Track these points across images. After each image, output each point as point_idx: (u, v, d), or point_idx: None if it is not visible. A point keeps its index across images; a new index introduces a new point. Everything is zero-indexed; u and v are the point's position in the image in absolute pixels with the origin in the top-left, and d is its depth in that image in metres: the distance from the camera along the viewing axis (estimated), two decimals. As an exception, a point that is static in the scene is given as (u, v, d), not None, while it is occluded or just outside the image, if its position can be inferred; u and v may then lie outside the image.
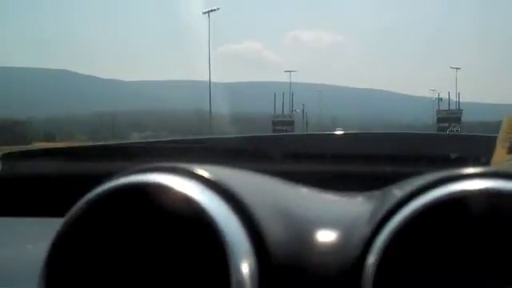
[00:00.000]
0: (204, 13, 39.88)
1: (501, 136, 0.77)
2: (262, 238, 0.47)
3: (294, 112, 46.87)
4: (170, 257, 0.54)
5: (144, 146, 1.34)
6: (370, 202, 0.55)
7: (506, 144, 0.76)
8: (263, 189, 0.59)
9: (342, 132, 1.52)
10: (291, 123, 41.00)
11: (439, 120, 41.85)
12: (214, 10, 39.64)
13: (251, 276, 0.45)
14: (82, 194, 0.52)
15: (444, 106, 45.45)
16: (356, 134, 1.61)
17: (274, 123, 40.80)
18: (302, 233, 0.50)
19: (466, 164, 0.60)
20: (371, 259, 0.46)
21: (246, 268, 0.45)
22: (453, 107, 44.50)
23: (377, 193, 0.58)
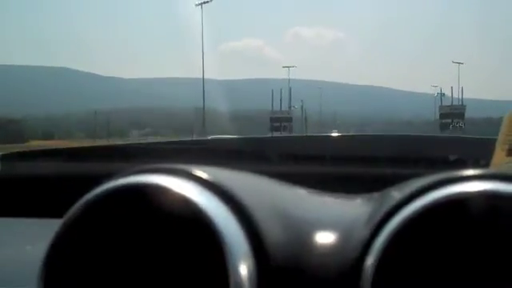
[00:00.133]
0: (197, 5, 39.43)
1: (500, 138, 0.77)
2: (261, 239, 0.47)
3: (292, 108, 46.20)
4: (169, 258, 0.54)
5: (143, 147, 1.34)
6: (368, 203, 0.55)
7: (506, 146, 0.75)
8: (262, 190, 0.59)
9: (340, 134, 1.52)
10: (289, 120, 40.36)
11: (442, 116, 41.00)
12: (207, 1, 39.17)
13: (250, 277, 0.46)
14: (81, 195, 0.52)
15: (446, 102, 44.68)
16: (354, 135, 1.61)
17: (272, 120, 40.11)
18: (300, 234, 0.51)
19: (466, 166, 0.59)
20: (370, 261, 0.46)
21: (244, 269, 0.46)
22: (455, 104, 43.81)
23: (376, 195, 0.58)
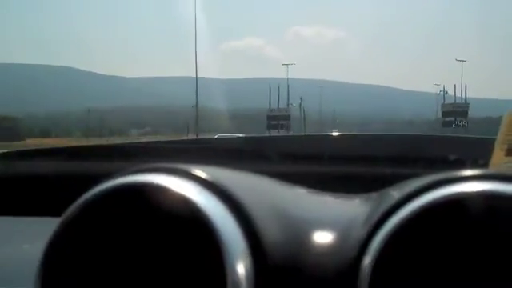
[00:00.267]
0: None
1: (499, 138, 0.76)
2: (259, 238, 0.47)
3: (290, 106, 44.89)
4: (167, 257, 0.54)
5: (142, 146, 1.34)
6: (367, 203, 0.55)
7: (505, 146, 0.75)
8: (260, 190, 0.59)
9: (339, 133, 1.52)
10: (287, 118, 39.30)
11: (444, 114, 39.97)
12: None
13: (247, 276, 0.46)
14: (80, 194, 0.52)
15: (448, 101, 43.65)
16: (354, 135, 1.61)
17: (269, 118, 39.10)
18: (298, 233, 0.51)
19: (464, 166, 0.60)
20: (367, 260, 0.46)
21: (241, 268, 0.46)
22: (457, 102, 42.64)
23: (374, 194, 0.58)
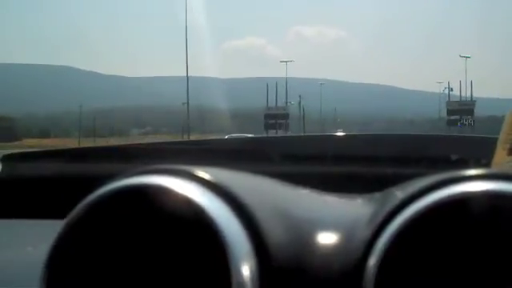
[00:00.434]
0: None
1: (501, 137, 0.76)
2: (263, 239, 0.47)
3: (288, 104, 43.34)
4: (171, 258, 0.54)
5: (145, 148, 1.34)
6: (370, 203, 0.55)
7: (507, 145, 0.75)
8: (264, 190, 0.59)
9: (342, 133, 1.52)
10: (286, 116, 37.96)
11: (449, 112, 38.09)
12: None
13: (252, 277, 0.46)
14: (83, 196, 0.53)
15: (451, 99, 41.93)
16: (356, 135, 1.61)
17: (267, 117, 37.76)
18: (302, 234, 0.51)
19: (467, 166, 0.60)
20: (372, 261, 0.46)
21: (246, 269, 0.46)
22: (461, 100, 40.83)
23: (378, 194, 0.58)
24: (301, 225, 0.52)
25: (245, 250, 0.47)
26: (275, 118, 37.10)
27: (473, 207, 0.46)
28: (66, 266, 0.51)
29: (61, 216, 0.54)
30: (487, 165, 0.78)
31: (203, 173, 0.52)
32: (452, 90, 43.35)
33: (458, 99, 41.11)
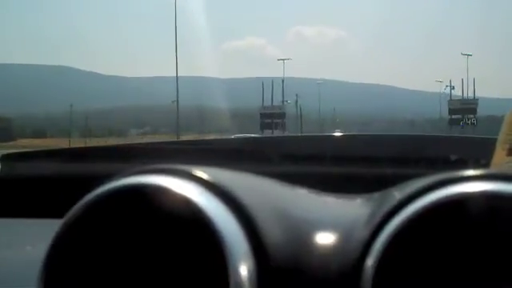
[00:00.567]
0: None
1: (501, 138, 0.76)
2: (261, 239, 0.47)
3: (285, 103, 41.51)
4: (169, 258, 0.54)
5: (143, 148, 1.34)
6: (369, 203, 0.55)
7: (506, 146, 0.75)
8: (262, 190, 0.59)
9: (340, 133, 1.52)
10: (282, 115, 36.55)
11: (451, 111, 36.57)
12: None
13: (250, 277, 0.46)
14: (81, 196, 0.53)
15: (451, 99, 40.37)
16: (355, 135, 1.61)
17: (263, 116, 36.36)
18: (300, 234, 0.51)
19: (466, 166, 0.60)
20: (370, 261, 0.46)
21: (244, 269, 0.46)
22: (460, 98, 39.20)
23: (376, 195, 0.58)
24: (299, 225, 0.52)
25: (243, 250, 0.47)
26: (271, 117, 35.81)
27: (471, 208, 0.46)
28: (63, 266, 0.51)
29: (60, 215, 0.54)
30: (486, 165, 0.77)
31: (201, 172, 0.52)
32: (454, 88, 41.64)
33: (460, 98, 39.61)
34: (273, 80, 41.11)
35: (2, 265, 0.73)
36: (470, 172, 0.48)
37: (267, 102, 40.11)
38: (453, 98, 39.99)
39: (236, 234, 0.47)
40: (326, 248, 0.50)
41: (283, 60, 53.69)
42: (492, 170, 0.65)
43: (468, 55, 46.40)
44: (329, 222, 0.53)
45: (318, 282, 0.48)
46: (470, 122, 34.68)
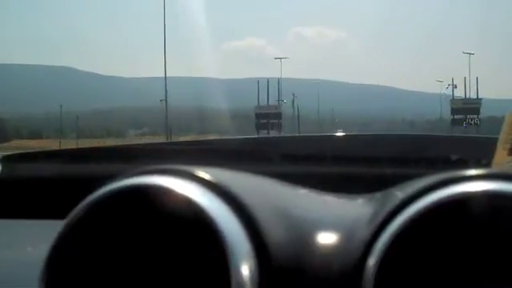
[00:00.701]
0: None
1: (501, 137, 0.76)
2: (263, 239, 0.48)
3: (281, 103, 39.97)
4: (171, 258, 0.54)
5: (145, 148, 1.34)
6: (370, 203, 0.55)
7: (507, 145, 0.75)
8: (264, 190, 0.59)
9: (342, 133, 1.52)
10: (278, 116, 35.12)
11: (454, 111, 35.00)
12: None
13: (251, 277, 0.46)
14: (83, 196, 0.53)
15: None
16: (356, 135, 1.61)
17: (258, 116, 34.86)
18: (302, 234, 0.51)
19: (467, 166, 0.60)
20: (372, 261, 0.46)
21: (246, 269, 0.46)
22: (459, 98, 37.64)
23: (378, 195, 0.58)
24: (300, 225, 0.52)
25: (245, 250, 0.47)
26: (267, 117, 34.33)
27: (473, 207, 0.46)
28: (65, 267, 0.51)
29: (61, 216, 0.54)
30: (487, 165, 0.78)
31: (203, 173, 0.52)
32: (456, 87, 39.93)
33: (461, 98, 37.97)
34: (268, 79, 39.73)
35: (3, 265, 0.73)
36: (472, 172, 0.48)
37: (265, 102, 38.86)
38: (455, 97, 38.76)
39: (238, 234, 0.47)
40: (327, 248, 0.50)
41: (280, 59, 52.54)
42: (493, 169, 0.65)
43: (470, 54, 44.69)
44: (330, 222, 0.53)
45: (319, 282, 0.48)
46: (473, 122, 33.42)
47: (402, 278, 0.47)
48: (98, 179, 0.55)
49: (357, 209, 0.55)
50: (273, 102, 38.51)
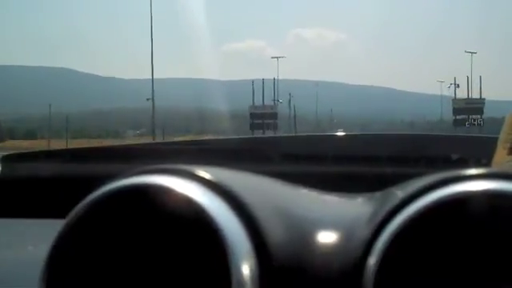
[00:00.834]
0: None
1: (502, 137, 0.77)
2: (263, 238, 0.48)
3: (277, 103, 38.54)
4: (172, 258, 0.54)
5: (145, 148, 1.34)
6: (370, 203, 0.55)
7: (507, 145, 0.75)
8: (264, 190, 0.59)
9: (342, 133, 1.52)
10: (274, 116, 33.91)
11: (456, 111, 33.62)
12: None
13: (252, 277, 0.46)
14: (83, 196, 0.53)
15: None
16: (357, 134, 1.61)
17: (253, 116, 33.69)
18: (302, 234, 0.51)
19: (467, 165, 0.61)
20: (372, 260, 0.46)
21: (246, 269, 0.46)
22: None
23: (378, 194, 0.58)
24: (301, 224, 0.52)
25: (245, 250, 0.47)
26: (262, 117, 33.20)
27: (472, 207, 0.46)
28: (65, 266, 0.51)
29: (61, 216, 0.54)
30: (487, 164, 0.78)
31: (203, 172, 0.52)
32: (458, 86, 38.38)
33: (468, 96, 36.35)
34: (263, 79, 38.61)
35: (3, 265, 0.73)
36: (472, 171, 0.48)
37: (262, 102, 37.74)
38: (457, 98, 37.45)
39: (238, 234, 0.47)
40: (327, 247, 0.50)
41: (277, 58, 51.56)
42: (493, 168, 0.65)
43: (472, 53, 42.98)
44: (330, 221, 0.53)
45: (320, 281, 0.48)
46: (476, 122, 32.04)
47: (402, 277, 0.47)
48: (97, 179, 0.55)
49: (357, 208, 0.55)
50: (269, 102, 37.42)
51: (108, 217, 0.52)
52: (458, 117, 33.38)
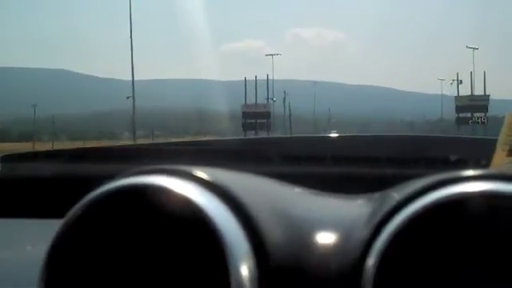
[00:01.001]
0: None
1: (501, 138, 0.77)
2: (261, 239, 0.48)
3: (270, 102, 36.71)
4: (170, 258, 0.54)
5: (144, 148, 1.34)
6: (369, 204, 0.55)
7: (506, 147, 0.75)
8: (262, 190, 0.59)
9: (341, 134, 1.53)
10: (267, 115, 32.44)
11: (459, 109, 31.89)
12: None
13: (250, 277, 0.46)
14: (82, 196, 0.53)
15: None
16: (355, 136, 1.61)
17: (245, 116, 32.08)
18: (301, 234, 0.51)
19: (466, 166, 0.60)
20: (371, 261, 0.46)
21: (245, 269, 0.46)
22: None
23: (376, 195, 0.58)
24: (299, 225, 0.52)
25: (243, 250, 0.47)
26: (255, 116, 31.52)
27: (471, 208, 0.46)
28: (64, 266, 0.51)
29: (60, 216, 0.54)
30: (486, 166, 0.78)
31: (202, 173, 0.52)
32: (461, 82, 35.93)
33: (471, 93, 34.14)
34: (256, 76, 36.73)
35: (2, 265, 0.73)
36: (470, 172, 0.48)
37: (257, 101, 35.67)
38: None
39: (236, 234, 0.47)
40: (326, 248, 0.50)
41: (272, 55, 49.87)
42: (491, 169, 0.65)
43: (474, 48, 40.36)
44: (329, 222, 0.53)
45: (318, 282, 0.48)
46: (480, 120, 30.20)
47: (400, 278, 0.47)
48: (96, 179, 0.55)
49: (355, 209, 0.55)
50: (263, 101, 35.52)
51: (106, 217, 0.52)
52: (460, 115, 31.63)
